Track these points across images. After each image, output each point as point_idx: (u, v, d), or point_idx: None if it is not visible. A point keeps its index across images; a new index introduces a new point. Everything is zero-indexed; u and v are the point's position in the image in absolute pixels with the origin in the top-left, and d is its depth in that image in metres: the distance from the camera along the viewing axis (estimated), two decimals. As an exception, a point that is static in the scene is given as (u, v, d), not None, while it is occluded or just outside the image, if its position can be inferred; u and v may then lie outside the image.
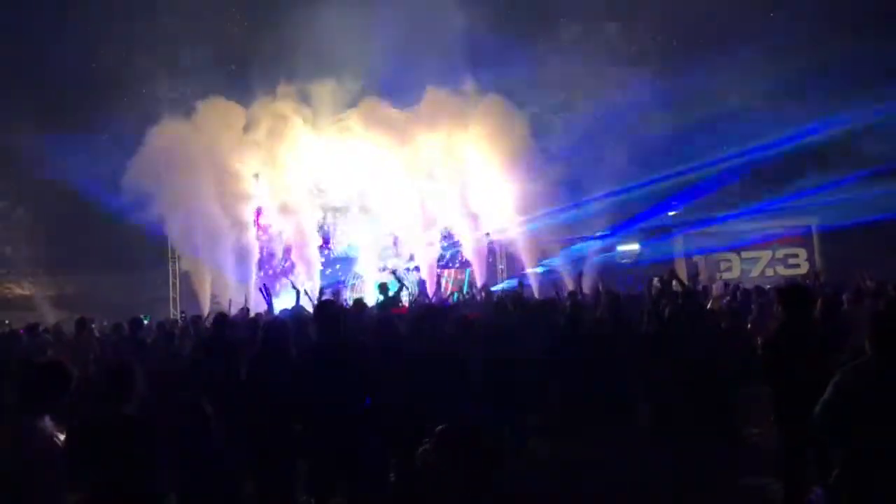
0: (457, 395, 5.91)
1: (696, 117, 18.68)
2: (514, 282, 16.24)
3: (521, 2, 22.34)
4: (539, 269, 19.47)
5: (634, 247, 22.39)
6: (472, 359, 6.42)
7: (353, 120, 18.64)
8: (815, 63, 16.12)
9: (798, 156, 17.71)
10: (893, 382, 3.47)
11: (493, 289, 16.25)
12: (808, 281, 13.23)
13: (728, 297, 11.54)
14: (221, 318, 8.33)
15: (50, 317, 15.26)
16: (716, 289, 12.17)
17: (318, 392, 5.34)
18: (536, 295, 16.32)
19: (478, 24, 18.99)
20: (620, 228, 20.55)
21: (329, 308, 6.08)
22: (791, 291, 5.45)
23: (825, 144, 17.45)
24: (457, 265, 21.19)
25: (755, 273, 21.88)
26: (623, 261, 22.22)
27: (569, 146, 19.39)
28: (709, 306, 9.70)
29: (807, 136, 17.42)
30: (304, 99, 18.74)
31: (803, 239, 21.95)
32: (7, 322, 16.39)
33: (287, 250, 19.95)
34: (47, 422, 4.05)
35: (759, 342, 5.67)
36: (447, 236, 20.71)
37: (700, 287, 11.08)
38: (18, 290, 17.80)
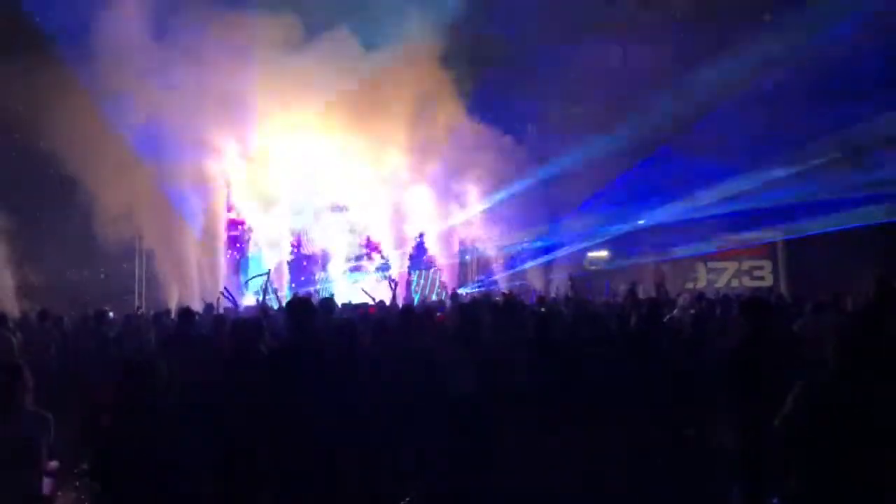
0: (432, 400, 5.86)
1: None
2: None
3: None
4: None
5: (603, 253, 22.55)
6: (442, 363, 6.37)
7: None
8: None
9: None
10: (852, 398, 3.54)
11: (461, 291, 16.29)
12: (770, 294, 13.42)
13: (693, 307, 11.66)
14: (186, 313, 8.12)
15: (14, 308, 14.89)
16: (682, 299, 12.26)
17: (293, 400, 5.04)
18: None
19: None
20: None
21: (302, 304, 5.62)
22: (753, 304, 5.60)
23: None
24: (428, 267, 21.16)
25: (720, 283, 22.17)
26: (592, 267, 22.37)
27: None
28: (675, 314, 9.81)
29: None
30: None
31: (769, 251, 22.30)
32: None
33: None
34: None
35: (722, 351, 5.78)
36: (420, 244, 20.69)
37: (666, 296, 11.21)
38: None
